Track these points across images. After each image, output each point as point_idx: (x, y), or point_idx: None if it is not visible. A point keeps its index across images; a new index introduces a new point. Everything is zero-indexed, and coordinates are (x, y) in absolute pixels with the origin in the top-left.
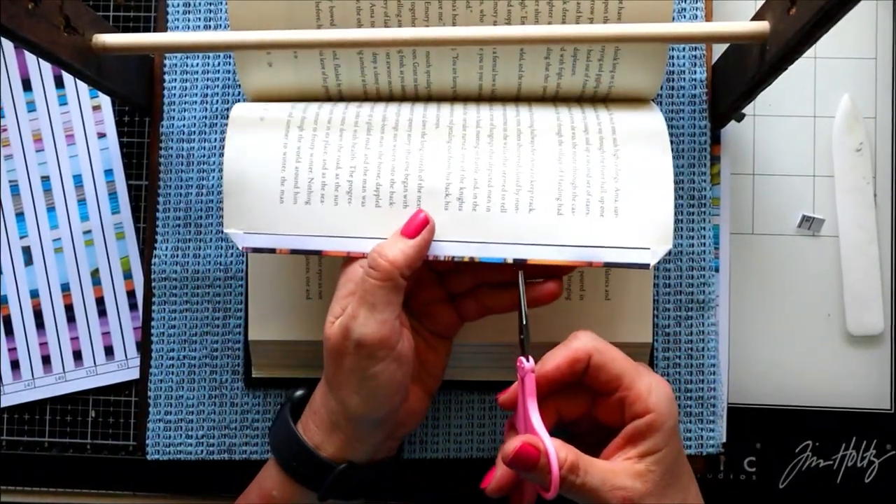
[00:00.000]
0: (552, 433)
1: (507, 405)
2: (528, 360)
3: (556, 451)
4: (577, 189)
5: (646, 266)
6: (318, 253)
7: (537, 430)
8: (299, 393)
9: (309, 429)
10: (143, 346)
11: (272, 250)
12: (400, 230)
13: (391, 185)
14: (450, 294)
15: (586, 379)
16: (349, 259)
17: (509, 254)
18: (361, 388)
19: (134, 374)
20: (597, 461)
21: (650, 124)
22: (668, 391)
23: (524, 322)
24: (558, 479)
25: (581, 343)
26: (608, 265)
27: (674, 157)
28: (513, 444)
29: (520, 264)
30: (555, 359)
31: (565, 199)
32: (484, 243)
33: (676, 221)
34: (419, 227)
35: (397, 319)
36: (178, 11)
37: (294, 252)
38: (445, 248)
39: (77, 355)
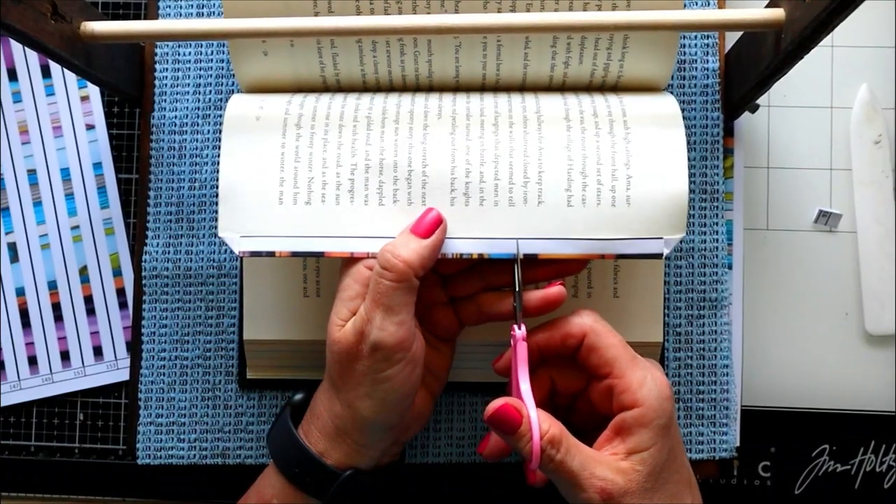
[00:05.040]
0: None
1: (500, 371)
2: (519, 328)
3: (540, 421)
4: (587, 179)
5: (659, 256)
6: (320, 254)
7: (524, 397)
8: (299, 396)
9: (311, 434)
10: (134, 347)
11: (271, 253)
12: (410, 228)
13: (394, 181)
14: (450, 297)
15: (579, 358)
16: (351, 259)
17: (519, 249)
18: (374, 392)
19: (124, 375)
20: (582, 445)
21: (662, 107)
22: (663, 389)
23: (518, 289)
24: (539, 449)
25: (579, 320)
26: (620, 257)
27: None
28: (496, 403)
29: (531, 259)
30: (548, 330)
31: (575, 189)
32: (492, 239)
33: (688, 216)
34: (432, 225)
35: (413, 320)
36: None
37: (295, 254)
38: (453, 246)
39: (64, 356)
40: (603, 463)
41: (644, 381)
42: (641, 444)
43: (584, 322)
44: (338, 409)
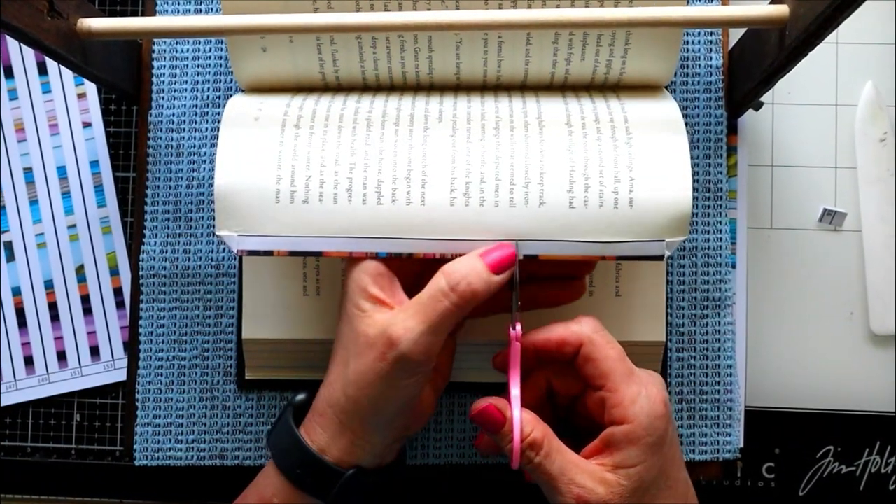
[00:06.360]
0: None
1: (498, 366)
2: (514, 328)
3: (524, 424)
4: (589, 180)
5: (660, 258)
6: (318, 254)
7: (511, 397)
8: (301, 397)
9: (312, 431)
10: (131, 347)
11: (269, 253)
12: (480, 253)
13: (393, 181)
14: None
15: (575, 365)
16: (352, 259)
17: (520, 250)
18: (382, 395)
19: (121, 375)
20: (567, 451)
21: (664, 112)
22: (657, 408)
23: (515, 290)
24: (518, 451)
25: (577, 328)
26: (621, 258)
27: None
28: (481, 402)
29: (531, 260)
30: (545, 333)
31: (577, 191)
32: (493, 241)
33: (691, 215)
34: (504, 262)
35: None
36: None
37: (293, 254)
38: (453, 247)
39: (61, 356)
40: (585, 471)
41: (636, 398)
42: (628, 460)
43: (583, 331)
44: (342, 402)
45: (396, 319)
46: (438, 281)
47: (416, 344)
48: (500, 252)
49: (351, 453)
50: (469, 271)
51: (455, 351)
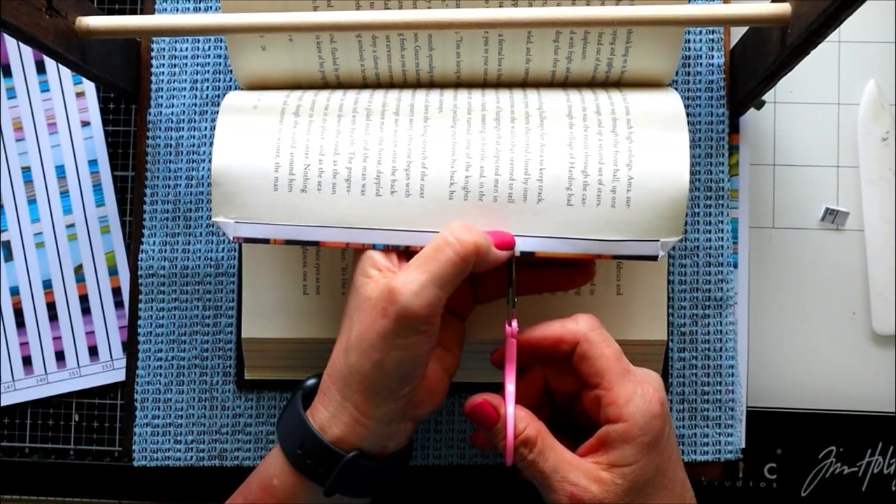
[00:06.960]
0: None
1: (496, 362)
2: (509, 325)
3: (517, 421)
4: (588, 178)
5: (654, 258)
6: (315, 244)
7: (506, 394)
8: (311, 381)
9: (316, 411)
10: (130, 347)
11: (266, 241)
12: (482, 229)
13: (392, 172)
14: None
15: (572, 363)
16: (360, 251)
17: (516, 246)
18: (386, 357)
19: (120, 375)
20: (561, 449)
21: (666, 105)
22: (652, 407)
23: (511, 286)
24: (512, 448)
25: (574, 326)
26: (616, 258)
27: (690, 147)
28: (475, 398)
29: (527, 256)
30: (542, 330)
31: (576, 189)
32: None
33: (693, 215)
34: (506, 242)
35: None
36: None
37: (289, 243)
38: None
39: (59, 356)
40: (579, 469)
41: (632, 397)
42: (623, 459)
43: (579, 329)
44: (343, 371)
45: (399, 274)
46: (442, 233)
47: (417, 296)
48: (500, 234)
49: (352, 432)
50: (472, 228)
51: (464, 335)
